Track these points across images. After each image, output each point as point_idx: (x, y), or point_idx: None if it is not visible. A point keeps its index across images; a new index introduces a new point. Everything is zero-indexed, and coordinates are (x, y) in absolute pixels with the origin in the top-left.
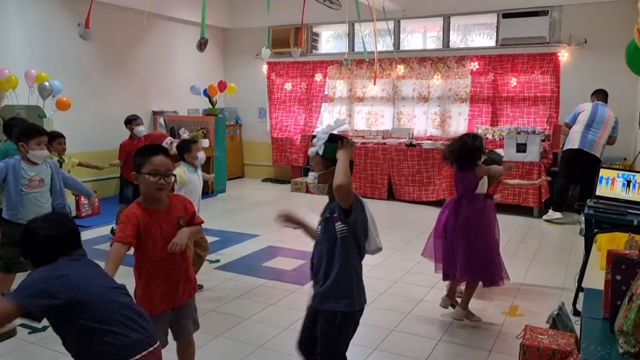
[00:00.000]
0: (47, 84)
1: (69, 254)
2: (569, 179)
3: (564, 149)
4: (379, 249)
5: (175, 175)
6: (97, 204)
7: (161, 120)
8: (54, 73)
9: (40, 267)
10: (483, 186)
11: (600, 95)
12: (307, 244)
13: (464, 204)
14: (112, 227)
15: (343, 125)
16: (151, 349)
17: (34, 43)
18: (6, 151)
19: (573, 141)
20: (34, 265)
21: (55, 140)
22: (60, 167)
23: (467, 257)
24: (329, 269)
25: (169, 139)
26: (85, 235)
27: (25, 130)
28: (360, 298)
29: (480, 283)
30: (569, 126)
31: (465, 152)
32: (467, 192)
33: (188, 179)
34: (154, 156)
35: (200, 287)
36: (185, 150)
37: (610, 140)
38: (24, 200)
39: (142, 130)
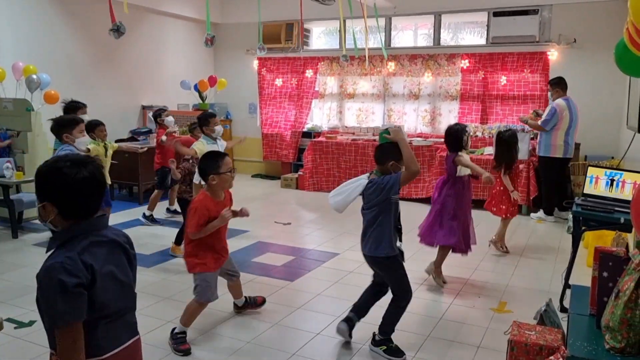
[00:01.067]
0: (34, 77)
1: (90, 216)
2: (552, 182)
3: (545, 155)
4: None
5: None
6: None
7: (151, 114)
8: (42, 66)
9: (67, 218)
10: (464, 170)
11: (564, 86)
12: (297, 241)
13: (447, 183)
14: (144, 213)
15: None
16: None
17: (22, 35)
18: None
19: (556, 148)
20: (60, 214)
21: (97, 128)
22: (105, 152)
23: (440, 225)
24: None
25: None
26: None
27: (65, 121)
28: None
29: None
30: (543, 130)
31: (447, 138)
32: (448, 173)
33: (207, 149)
34: (226, 157)
35: None
36: (203, 123)
37: None
38: None
39: (171, 120)
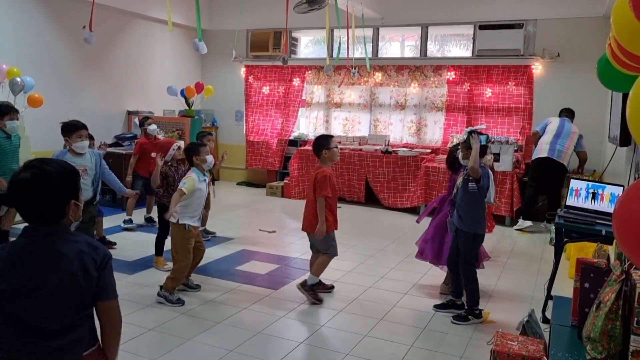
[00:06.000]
0: (18, 79)
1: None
2: (538, 188)
3: (533, 158)
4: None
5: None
6: None
7: (136, 120)
8: (27, 69)
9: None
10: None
11: (567, 113)
12: (281, 249)
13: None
14: (125, 219)
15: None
16: None
17: (6, 37)
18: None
19: (542, 151)
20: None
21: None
22: None
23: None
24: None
25: (176, 145)
26: None
27: (66, 126)
28: (483, 226)
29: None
30: (538, 135)
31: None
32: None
33: (197, 187)
34: (333, 137)
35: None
36: (193, 153)
37: (582, 156)
38: None
39: (154, 128)
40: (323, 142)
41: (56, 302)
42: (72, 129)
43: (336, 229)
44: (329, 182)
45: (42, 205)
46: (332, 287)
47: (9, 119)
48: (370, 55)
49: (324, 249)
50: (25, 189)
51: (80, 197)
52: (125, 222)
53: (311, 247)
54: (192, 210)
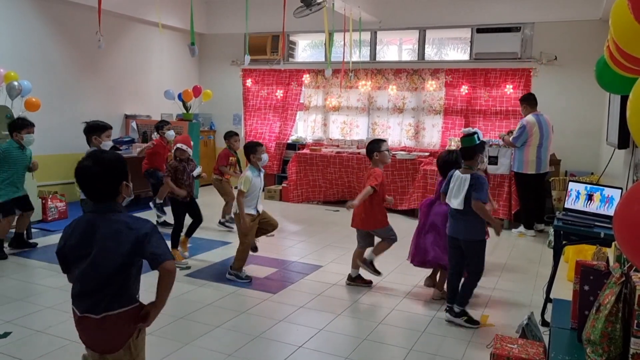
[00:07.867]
0: (16, 83)
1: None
2: (527, 195)
3: (519, 170)
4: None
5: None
6: (64, 207)
7: (133, 124)
8: (24, 73)
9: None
10: None
11: (533, 103)
12: (280, 253)
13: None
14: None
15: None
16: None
17: (3, 41)
18: (6, 150)
19: (528, 164)
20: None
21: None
22: None
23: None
24: None
25: (190, 150)
26: (51, 239)
27: (95, 126)
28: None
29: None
30: (514, 146)
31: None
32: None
33: (252, 182)
34: (385, 141)
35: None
36: (251, 151)
37: None
38: None
39: (172, 134)
40: (375, 145)
41: (94, 270)
42: (101, 128)
43: (387, 224)
44: (380, 179)
45: (100, 185)
46: (371, 282)
47: (27, 132)
48: (366, 59)
49: (385, 237)
50: (87, 172)
51: (129, 179)
52: (155, 206)
53: (358, 243)
54: (249, 201)
